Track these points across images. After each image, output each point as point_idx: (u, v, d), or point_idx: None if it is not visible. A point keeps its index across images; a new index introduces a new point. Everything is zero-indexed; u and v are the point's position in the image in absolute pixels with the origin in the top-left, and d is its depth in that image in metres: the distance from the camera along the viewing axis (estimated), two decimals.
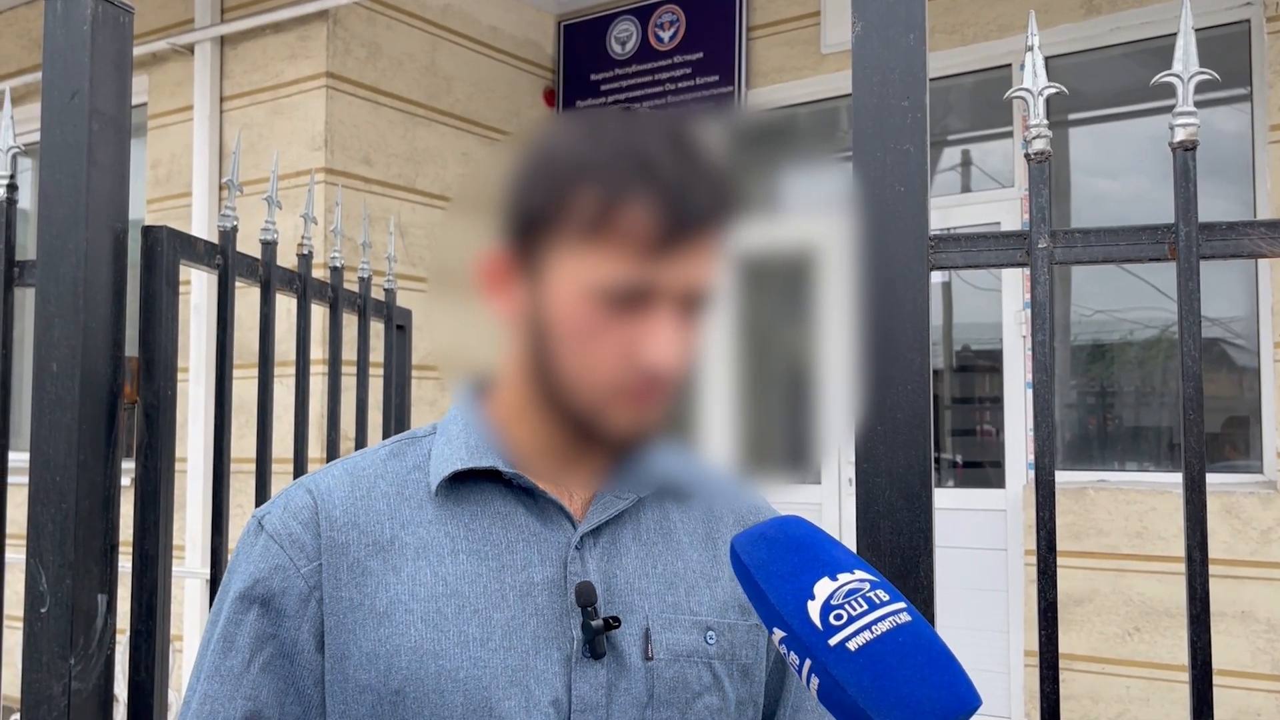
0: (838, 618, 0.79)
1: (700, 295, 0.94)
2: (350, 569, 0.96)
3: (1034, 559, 1.37)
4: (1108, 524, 4.64)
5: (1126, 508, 4.61)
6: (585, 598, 0.96)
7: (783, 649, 0.82)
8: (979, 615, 4.93)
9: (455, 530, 0.98)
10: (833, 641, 0.78)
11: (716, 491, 1.11)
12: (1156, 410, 5.01)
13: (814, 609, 0.80)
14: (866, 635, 0.78)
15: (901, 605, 0.81)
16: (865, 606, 0.80)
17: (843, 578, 0.82)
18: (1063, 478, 4.77)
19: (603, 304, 0.91)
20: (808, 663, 0.79)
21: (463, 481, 0.99)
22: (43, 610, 1.64)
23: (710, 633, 1.02)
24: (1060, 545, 4.55)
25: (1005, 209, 4.97)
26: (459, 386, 1.08)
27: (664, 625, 0.99)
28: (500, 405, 1.03)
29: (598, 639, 0.95)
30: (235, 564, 1.01)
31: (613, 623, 0.96)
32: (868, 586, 0.82)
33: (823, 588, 0.81)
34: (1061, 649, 4.55)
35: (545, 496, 0.99)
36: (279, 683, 0.96)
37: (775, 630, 0.82)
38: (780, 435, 5.80)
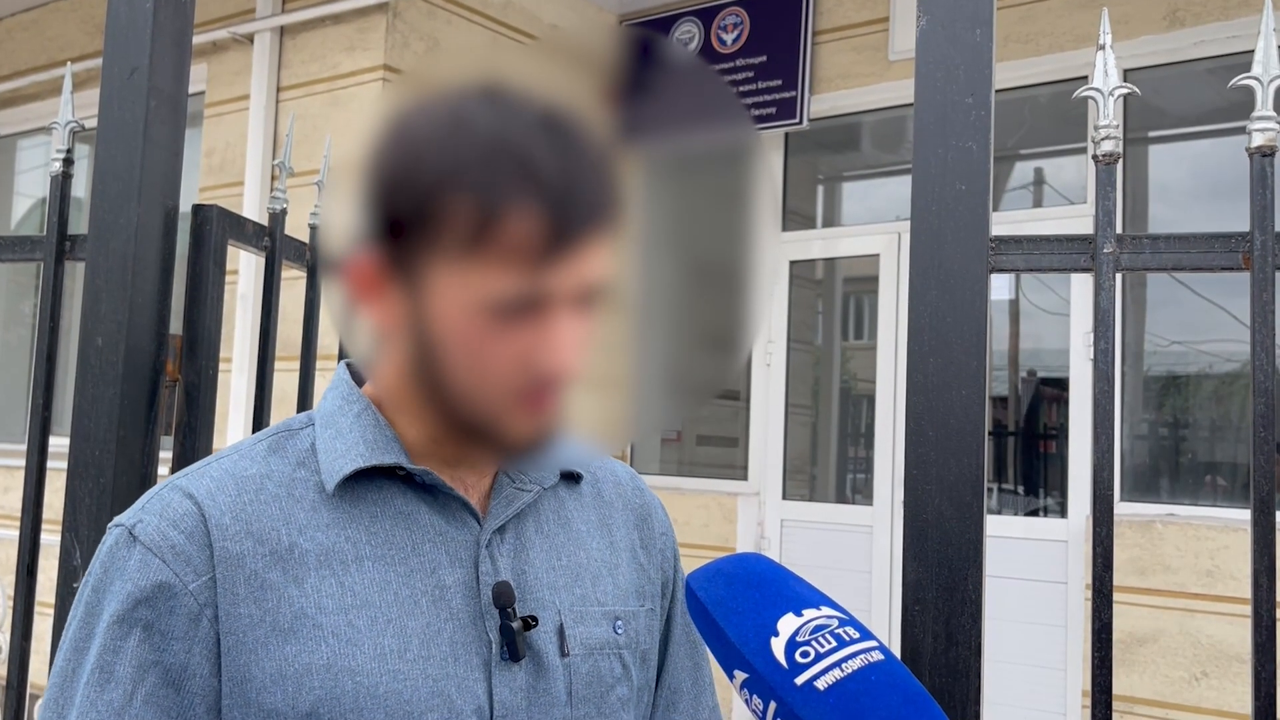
0: (804, 655, 0.75)
1: (596, 291, 0.88)
2: (248, 582, 0.88)
3: None
4: (1176, 560, 4.39)
5: (1197, 544, 4.36)
6: (504, 598, 0.91)
7: (744, 694, 0.76)
8: (1035, 652, 4.71)
9: (356, 534, 0.91)
10: (799, 680, 0.74)
11: (600, 474, 1.08)
12: (1233, 446, 4.74)
13: (778, 646, 0.75)
14: (836, 674, 0.74)
15: (874, 643, 0.77)
16: (834, 643, 0.76)
17: (808, 614, 0.78)
18: (1129, 510, 4.55)
19: (494, 318, 0.84)
20: (772, 705, 0.74)
21: (356, 480, 0.93)
22: (75, 585, 1.64)
23: (619, 622, 0.99)
24: (1124, 581, 4.36)
25: (1076, 225, 4.81)
26: (337, 372, 1.01)
27: (576, 619, 0.97)
28: (381, 397, 0.96)
29: (518, 640, 0.91)
30: (104, 581, 0.89)
31: (531, 622, 0.92)
32: (836, 623, 0.77)
33: (787, 624, 0.77)
34: (1123, 691, 4.38)
35: (450, 493, 0.94)
36: (164, 717, 0.86)
37: (736, 673, 0.77)
38: (833, 453, 5.72)
